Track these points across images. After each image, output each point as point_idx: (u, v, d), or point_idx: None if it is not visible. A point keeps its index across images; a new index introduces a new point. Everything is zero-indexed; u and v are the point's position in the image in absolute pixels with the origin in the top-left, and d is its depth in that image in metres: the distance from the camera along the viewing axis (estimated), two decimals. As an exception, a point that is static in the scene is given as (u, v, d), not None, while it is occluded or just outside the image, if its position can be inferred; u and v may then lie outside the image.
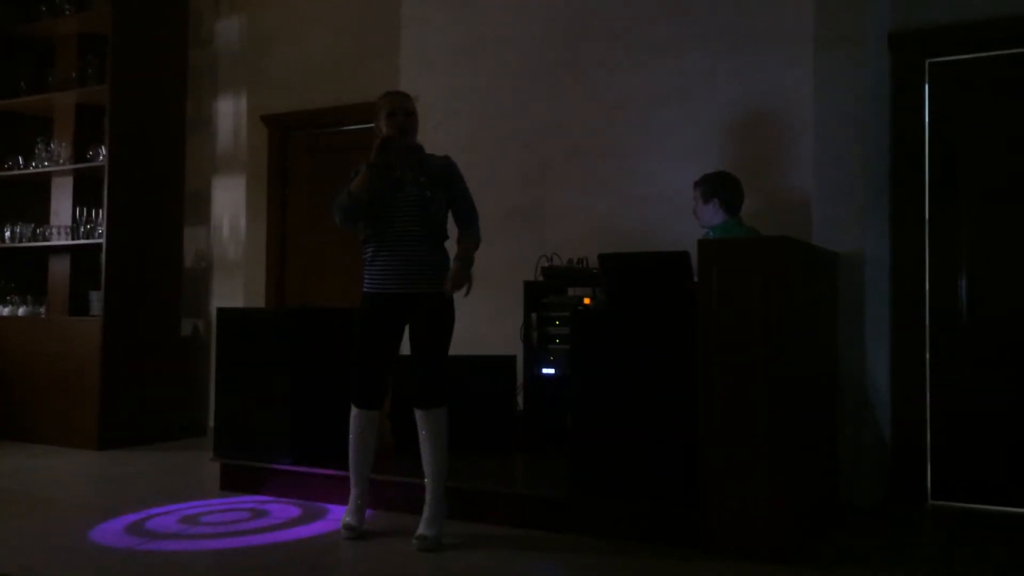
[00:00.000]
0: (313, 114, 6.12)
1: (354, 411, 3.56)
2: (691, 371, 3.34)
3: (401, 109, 3.54)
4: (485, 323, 4.70)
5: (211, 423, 5.28)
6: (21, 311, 5.99)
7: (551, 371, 4.52)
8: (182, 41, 6.20)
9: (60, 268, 5.93)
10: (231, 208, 6.41)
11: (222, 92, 6.48)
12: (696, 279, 3.44)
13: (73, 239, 5.81)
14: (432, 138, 3.68)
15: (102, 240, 5.60)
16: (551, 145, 5.17)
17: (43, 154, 5.97)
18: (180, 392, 6.07)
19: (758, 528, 3.17)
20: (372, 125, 3.63)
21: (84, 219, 5.81)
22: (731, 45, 4.70)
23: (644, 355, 3.55)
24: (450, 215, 3.63)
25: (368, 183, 3.44)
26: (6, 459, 5.22)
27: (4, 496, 4.31)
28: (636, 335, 3.58)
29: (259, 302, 6.17)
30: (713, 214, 4.12)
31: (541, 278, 4.60)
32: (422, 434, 3.46)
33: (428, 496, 3.46)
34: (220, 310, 4.58)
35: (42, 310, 5.99)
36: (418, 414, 3.46)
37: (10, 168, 6.01)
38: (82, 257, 5.89)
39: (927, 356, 4.18)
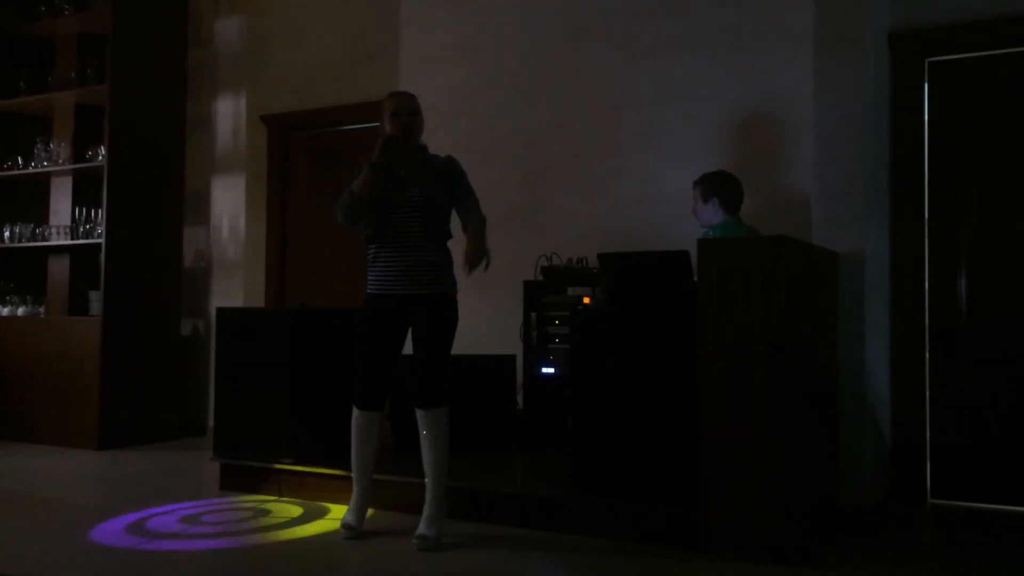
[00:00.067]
0: (313, 114, 6.12)
1: (355, 412, 3.56)
2: (691, 371, 3.34)
3: (405, 109, 3.54)
4: (485, 323, 4.70)
5: (211, 423, 5.28)
6: (20, 311, 5.99)
7: (551, 370, 4.52)
8: (182, 41, 6.20)
9: (59, 268, 5.93)
10: (231, 208, 6.41)
11: (222, 92, 6.47)
12: (696, 279, 3.44)
13: (72, 239, 5.81)
14: (432, 138, 3.68)
15: (101, 240, 5.60)
16: (551, 145, 5.17)
17: (42, 154, 5.97)
18: (180, 392, 6.07)
19: (758, 528, 3.17)
20: (372, 125, 3.64)
21: (83, 219, 5.81)
22: (731, 45, 4.70)
23: (644, 355, 3.55)
24: (455, 215, 3.62)
25: (370, 183, 3.44)
26: (6, 459, 5.22)
27: (4, 496, 4.31)
28: (636, 335, 3.58)
29: (259, 302, 6.17)
30: (713, 214, 4.11)
31: (541, 278, 4.60)
32: (423, 434, 3.46)
33: (428, 496, 3.46)
34: (220, 310, 4.58)
35: (41, 310, 5.99)
36: (419, 414, 3.46)
37: (9, 168, 6.01)
38: (81, 257, 5.89)
39: (927, 355, 4.19)
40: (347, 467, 3.68)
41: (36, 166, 5.96)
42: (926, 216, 4.22)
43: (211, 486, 4.41)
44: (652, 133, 4.89)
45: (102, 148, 5.68)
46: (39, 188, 6.13)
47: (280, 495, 4.19)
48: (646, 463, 3.50)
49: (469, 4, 5.46)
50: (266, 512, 3.93)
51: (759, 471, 3.16)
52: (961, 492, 4.09)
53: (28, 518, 3.87)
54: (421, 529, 3.38)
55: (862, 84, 3.99)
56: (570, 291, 4.62)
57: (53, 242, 5.87)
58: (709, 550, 3.24)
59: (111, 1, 5.68)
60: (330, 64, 6.02)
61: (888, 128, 4.27)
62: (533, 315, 4.58)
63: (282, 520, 3.79)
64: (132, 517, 3.84)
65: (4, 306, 6.04)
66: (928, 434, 4.17)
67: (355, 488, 3.59)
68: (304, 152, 6.29)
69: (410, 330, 3.56)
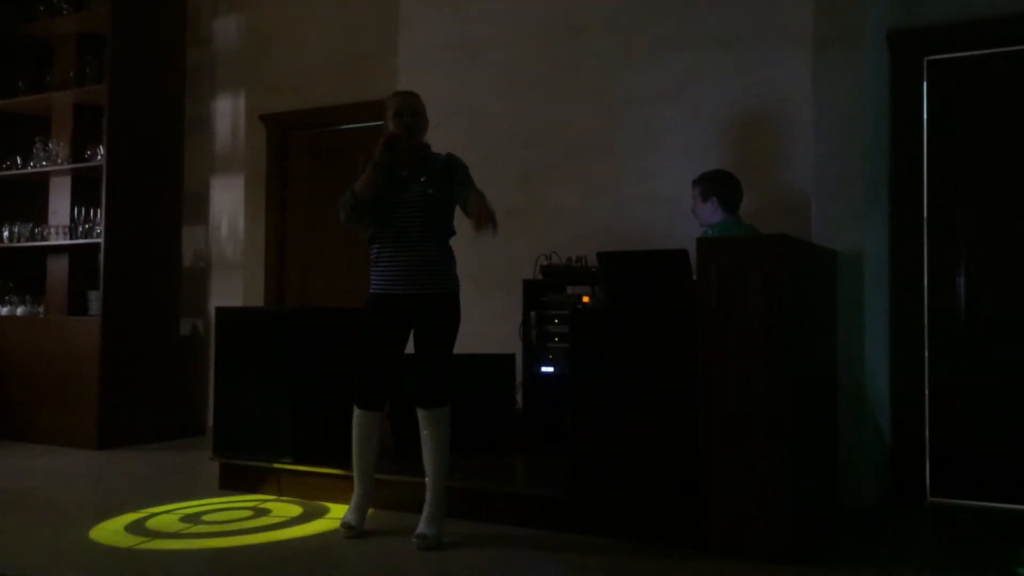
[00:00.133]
0: (312, 113, 6.11)
1: (356, 412, 3.55)
2: (690, 370, 3.34)
3: (408, 109, 3.54)
4: (484, 322, 4.70)
5: (210, 422, 5.28)
6: (20, 311, 5.99)
7: (550, 370, 4.52)
8: (180, 41, 6.19)
9: (58, 268, 5.93)
10: (230, 207, 6.40)
11: (221, 91, 6.47)
12: (695, 277, 3.44)
13: (71, 239, 5.81)
14: (431, 137, 3.68)
15: (100, 240, 5.60)
16: (550, 144, 5.17)
17: (41, 154, 5.97)
18: (179, 391, 6.07)
19: (758, 528, 3.17)
20: (371, 124, 3.64)
21: (82, 219, 5.81)
22: (730, 44, 4.70)
23: (643, 354, 3.55)
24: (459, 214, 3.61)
25: (372, 182, 3.44)
26: (6, 459, 5.22)
27: (4, 496, 4.31)
28: (635, 334, 3.58)
29: (258, 301, 6.17)
30: (712, 212, 4.12)
31: (540, 277, 4.60)
32: (424, 433, 3.46)
33: (428, 495, 3.46)
34: (219, 309, 4.58)
35: (40, 310, 5.99)
36: (420, 413, 3.46)
37: (8, 168, 6.01)
38: (80, 257, 5.88)
39: (926, 354, 4.19)
40: (347, 467, 3.68)
41: (35, 166, 5.96)
42: (925, 215, 4.23)
43: (211, 486, 4.41)
44: (652, 132, 4.89)
45: (101, 148, 5.68)
46: (38, 188, 6.12)
47: (280, 495, 4.19)
48: (646, 463, 3.50)
49: (468, 3, 5.46)
50: (266, 512, 3.93)
51: (759, 471, 3.16)
52: (961, 491, 4.10)
53: (28, 518, 3.87)
54: (421, 528, 3.38)
55: (861, 83, 3.98)
56: (569, 290, 4.62)
57: (52, 242, 5.87)
58: (709, 550, 3.24)
59: (110, 1, 5.67)
60: (329, 63, 6.02)
61: (887, 127, 4.27)
62: (532, 314, 4.58)
63: (282, 520, 3.79)
64: (132, 516, 3.84)
65: (3, 306, 6.03)
66: (927, 433, 4.17)
67: (356, 487, 3.59)
68: (303, 151, 6.29)
69: (413, 331, 3.56)
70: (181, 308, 6.16)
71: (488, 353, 4.57)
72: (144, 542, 3.46)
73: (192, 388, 6.22)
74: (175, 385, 6.03)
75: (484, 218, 3.27)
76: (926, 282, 4.22)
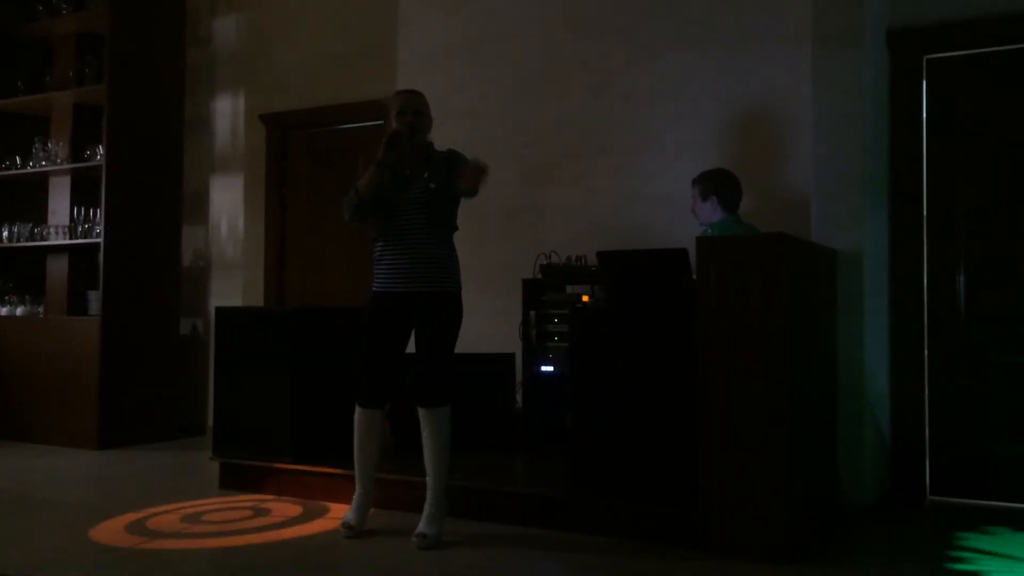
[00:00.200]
0: (312, 113, 6.11)
1: (357, 410, 3.55)
2: (690, 369, 3.34)
3: (410, 107, 3.54)
4: (484, 321, 4.69)
5: (210, 422, 5.28)
6: (19, 311, 5.99)
7: (550, 369, 4.52)
8: (180, 40, 6.19)
9: (58, 268, 5.93)
10: (229, 207, 6.40)
11: (220, 91, 6.47)
12: (695, 277, 3.44)
13: (71, 239, 5.81)
14: (432, 137, 3.68)
15: (100, 240, 5.60)
16: (550, 144, 5.16)
17: (40, 154, 5.97)
18: (179, 391, 6.07)
19: (758, 528, 3.17)
20: (370, 124, 3.64)
21: (82, 219, 5.80)
22: (730, 43, 4.70)
23: (643, 353, 3.54)
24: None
25: (375, 181, 3.44)
26: (6, 459, 5.22)
27: (4, 496, 4.31)
28: (635, 333, 3.58)
29: (258, 301, 6.17)
30: (711, 212, 4.12)
31: (540, 276, 4.60)
32: (425, 433, 3.45)
33: (429, 494, 3.46)
34: (219, 309, 4.58)
35: (40, 310, 5.99)
36: (421, 412, 3.46)
37: (8, 168, 6.01)
38: (80, 257, 5.88)
39: (926, 353, 4.19)
40: (347, 466, 3.67)
41: (34, 166, 5.96)
42: (925, 214, 4.22)
43: (211, 485, 4.41)
44: (651, 131, 4.89)
45: (100, 148, 5.68)
46: (37, 188, 6.12)
47: (280, 494, 4.19)
48: (646, 462, 3.50)
49: (467, 2, 5.45)
50: (266, 511, 3.93)
51: (759, 471, 3.16)
52: (961, 489, 4.10)
53: (28, 518, 3.87)
54: (421, 528, 3.38)
55: (861, 81, 3.98)
56: (569, 289, 4.62)
57: (52, 242, 5.87)
58: (709, 550, 3.24)
59: (109, 1, 5.67)
60: (329, 63, 6.02)
61: (887, 125, 4.27)
62: (532, 313, 4.58)
63: (282, 519, 3.79)
64: (133, 516, 3.84)
65: (3, 306, 6.03)
66: (927, 432, 4.17)
67: (357, 487, 3.58)
68: (303, 151, 6.29)
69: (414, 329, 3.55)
70: (181, 308, 6.16)
71: (488, 353, 4.57)
72: (144, 542, 3.46)
73: (192, 388, 6.23)
74: (175, 385, 6.03)
75: (471, 178, 3.23)
76: (926, 282, 4.22)
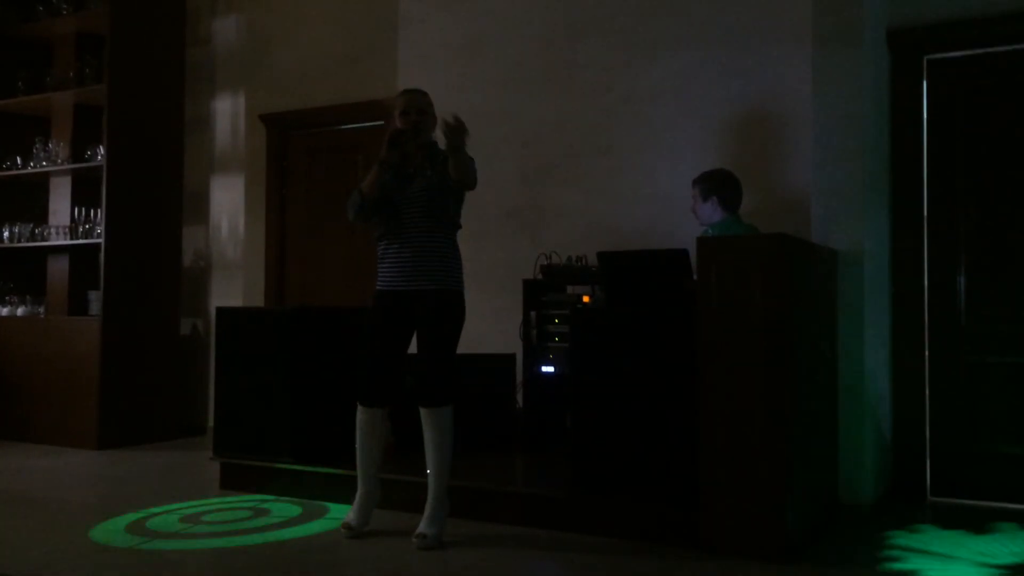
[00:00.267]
0: (312, 113, 6.11)
1: (359, 409, 3.55)
2: (691, 369, 3.34)
3: (414, 107, 3.55)
4: (484, 321, 4.70)
5: (210, 422, 5.28)
6: (20, 311, 5.99)
7: (550, 369, 4.52)
8: (180, 40, 6.19)
9: (59, 268, 5.93)
10: (230, 207, 6.40)
11: (220, 91, 6.47)
12: (695, 277, 3.44)
13: (72, 239, 5.81)
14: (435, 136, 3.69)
15: (101, 240, 5.60)
16: (550, 144, 5.17)
17: (41, 154, 5.97)
18: (179, 391, 6.07)
19: (758, 528, 3.17)
20: (371, 124, 3.64)
21: (82, 219, 5.81)
22: (730, 42, 4.70)
23: (643, 353, 3.55)
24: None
25: (378, 179, 3.44)
26: (6, 459, 5.22)
27: (4, 496, 4.31)
28: (635, 333, 3.58)
29: (258, 301, 6.17)
30: (712, 212, 4.12)
31: (540, 276, 4.60)
32: (427, 433, 3.45)
33: (430, 495, 3.46)
34: (219, 309, 4.58)
35: (41, 310, 5.99)
36: (423, 412, 3.45)
37: (8, 168, 6.01)
38: (81, 257, 5.88)
39: (926, 353, 4.19)
40: (347, 466, 3.67)
41: (35, 166, 5.96)
42: (925, 214, 4.22)
43: (211, 485, 4.41)
44: (651, 131, 4.89)
45: (101, 148, 5.68)
46: (38, 188, 6.13)
47: (280, 495, 4.19)
48: (646, 462, 3.50)
49: (467, 2, 5.45)
50: (266, 512, 3.93)
51: (759, 471, 3.16)
52: (961, 490, 4.10)
53: (28, 518, 3.87)
54: (422, 528, 3.38)
55: (861, 81, 3.98)
56: (569, 290, 4.62)
57: (52, 242, 5.87)
58: (709, 550, 3.24)
59: (109, 1, 5.67)
60: (329, 63, 6.02)
61: (887, 125, 4.27)
62: (533, 314, 4.58)
63: (282, 520, 3.79)
64: (133, 516, 3.84)
65: (3, 306, 6.04)
66: (928, 432, 4.17)
67: (360, 487, 3.58)
68: (303, 151, 6.29)
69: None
70: (181, 308, 6.15)
71: (488, 353, 4.58)
72: (144, 542, 3.46)
73: (192, 388, 6.22)
74: (175, 385, 6.03)
75: (452, 136, 3.20)
76: (926, 282, 4.21)
